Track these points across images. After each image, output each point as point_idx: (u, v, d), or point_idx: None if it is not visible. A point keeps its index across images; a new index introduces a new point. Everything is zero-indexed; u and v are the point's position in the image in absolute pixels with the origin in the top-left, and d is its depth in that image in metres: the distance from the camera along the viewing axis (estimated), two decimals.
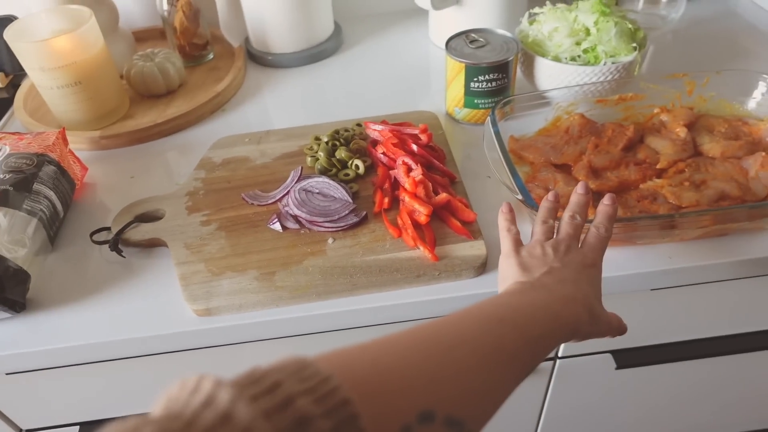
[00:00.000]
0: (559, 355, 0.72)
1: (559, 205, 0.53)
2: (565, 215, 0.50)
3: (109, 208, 0.67)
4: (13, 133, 0.68)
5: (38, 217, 0.59)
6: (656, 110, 0.70)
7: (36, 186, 0.61)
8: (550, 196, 0.53)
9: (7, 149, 0.64)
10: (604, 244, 0.49)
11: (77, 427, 0.69)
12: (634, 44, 0.72)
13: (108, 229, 0.62)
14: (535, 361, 0.38)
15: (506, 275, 0.48)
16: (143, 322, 0.55)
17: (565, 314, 0.41)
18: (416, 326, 0.35)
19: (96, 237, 0.62)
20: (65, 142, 0.69)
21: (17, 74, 0.93)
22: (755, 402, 0.89)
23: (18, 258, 0.55)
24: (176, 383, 0.24)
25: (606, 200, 0.51)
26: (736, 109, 0.70)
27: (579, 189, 0.52)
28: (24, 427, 0.70)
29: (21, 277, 0.54)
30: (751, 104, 0.69)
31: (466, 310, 0.39)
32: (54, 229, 0.63)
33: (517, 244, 0.50)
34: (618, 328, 0.48)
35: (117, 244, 0.60)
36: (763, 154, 0.61)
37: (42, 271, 0.60)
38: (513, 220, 0.52)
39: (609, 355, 0.73)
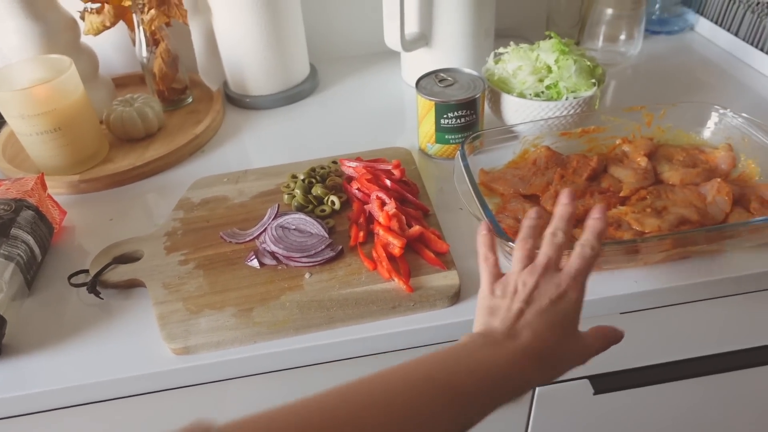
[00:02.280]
0: None
1: (541, 221, 0.51)
2: (547, 232, 0.48)
3: (87, 251, 0.68)
4: None
5: (15, 262, 0.60)
6: (618, 141, 0.73)
7: (14, 231, 0.61)
8: (531, 213, 0.51)
9: None
10: (588, 264, 0.46)
11: None
12: (593, 80, 0.76)
13: (86, 271, 0.63)
14: (471, 419, 0.38)
15: (478, 314, 0.47)
16: (122, 364, 0.55)
17: (511, 373, 0.41)
18: (333, 387, 0.36)
19: (74, 280, 0.62)
20: (44, 187, 0.70)
21: None
22: (738, 423, 0.89)
23: None
24: None
25: (595, 213, 0.47)
26: (693, 139, 0.74)
27: (563, 198, 0.49)
28: None
29: None
30: (706, 133, 0.73)
31: (401, 365, 0.39)
32: (32, 273, 0.63)
33: (494, 279, 0.48)
34: (606, 337, 0.47)
35: (95, 286, 0.60)
36: (719, 180, 0.64)
37: (19, 316, 0.60)
38: (491, 245, 0.51)
39: (586, 381, 0.74)
